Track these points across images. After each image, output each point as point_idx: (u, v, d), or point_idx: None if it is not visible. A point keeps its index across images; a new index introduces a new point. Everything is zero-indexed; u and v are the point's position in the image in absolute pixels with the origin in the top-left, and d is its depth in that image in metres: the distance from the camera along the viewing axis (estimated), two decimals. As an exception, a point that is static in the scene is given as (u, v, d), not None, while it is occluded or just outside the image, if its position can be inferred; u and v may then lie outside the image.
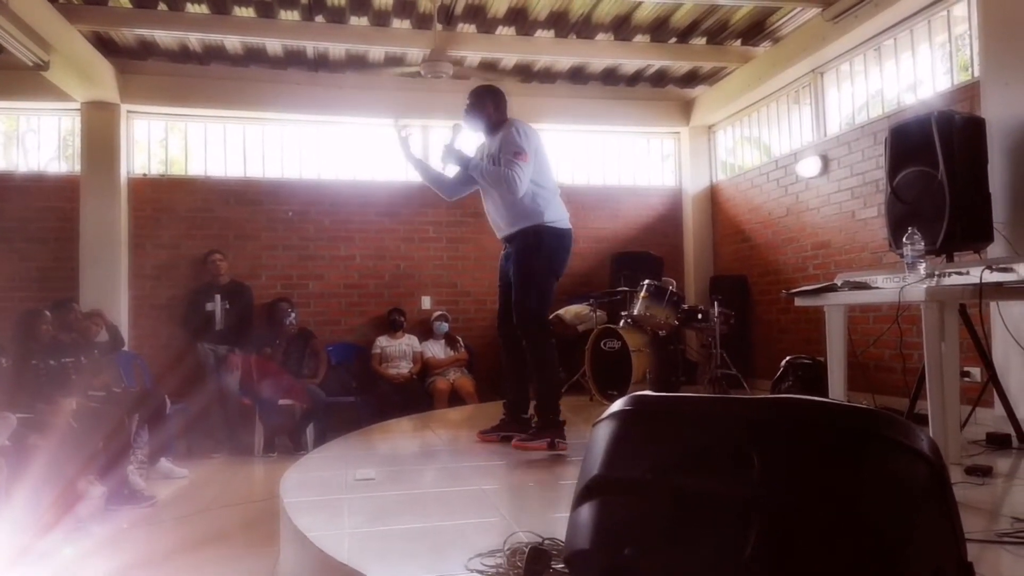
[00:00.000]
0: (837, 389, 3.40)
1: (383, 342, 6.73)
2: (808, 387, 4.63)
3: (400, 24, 6.06)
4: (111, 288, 6.45)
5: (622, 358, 5.40)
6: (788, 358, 5.17)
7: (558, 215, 3.73)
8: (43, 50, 5.27)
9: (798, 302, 3.51)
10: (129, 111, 6.80)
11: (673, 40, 6.48)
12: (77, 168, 6.66)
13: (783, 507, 1.30)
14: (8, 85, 6.25)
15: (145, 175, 6.92)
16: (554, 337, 3.79)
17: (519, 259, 3.70)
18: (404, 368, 6.61)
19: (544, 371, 3.69)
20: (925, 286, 2.67)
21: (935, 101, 4.84)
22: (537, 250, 3.68)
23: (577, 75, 7.28)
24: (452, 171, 4.00)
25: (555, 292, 3.82)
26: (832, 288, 3.26)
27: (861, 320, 5.28)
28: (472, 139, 3.99)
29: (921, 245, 2.90)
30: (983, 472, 2.69)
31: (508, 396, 3.97)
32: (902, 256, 3.06)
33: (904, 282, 2.79)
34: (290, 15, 5.88)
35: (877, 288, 3.00)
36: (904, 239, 2.95)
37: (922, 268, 2.82)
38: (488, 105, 3.82)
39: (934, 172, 3.45)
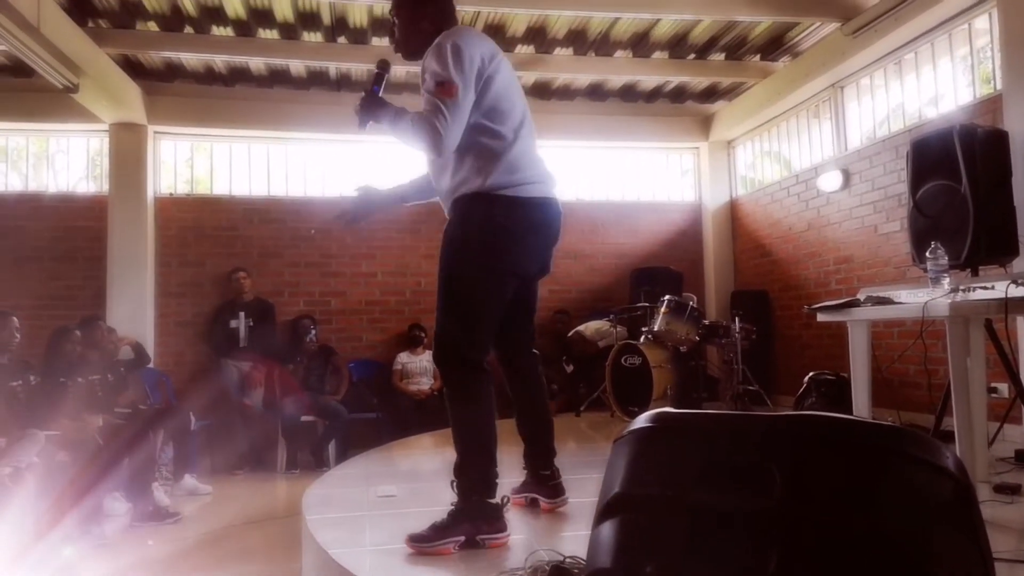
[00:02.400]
0: (861, 406, 3.36)
1: (404, 358, 6.76)
2: (832, 403, 4.58)
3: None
4: (138, 306, 6.55)
5: (643, 374, 5.39)
6: (811, 374, 5.12)
7: (521, 174, 2.37)
8: (73, 73, 5.39)
9: (820, 317, 3.49)
10: (156, 132, 6.94)
11: (692, 56, 6.50)
12: (105, 188, 6.79)
13: (805, 524, 1.29)
14: (39, 107, 6.42)
15: (171, 195, 7.04)
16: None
17: (443, 245, 2.42)
18: (425, 384, 6.63)
19: (462, 427, 2.39)
20: (949, 301, 2.64)
21: (957, 114, 4.81)
22: (463, 234, 2.37)
23: (596, 92, 7.31)
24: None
25: (499, 300, 2.41)
26: (855, 303, 3.24)
27: (885, 335, 5.23)
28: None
29: (945, 260, 2.88)
30: (1012, 490, 2.65)
31: (524, 445, 2.82)
32: (926, 271, 3.04)
33: (928, 297, 2.77)
34: (313, 36, 5.98)
35: (901, 303, 2.97)
36: (927, 254, 2.93)
37: (946, 283, 2.80)
38: (417, 12, 2.53)
39: (957, 186, 3.42)
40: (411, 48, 2.57)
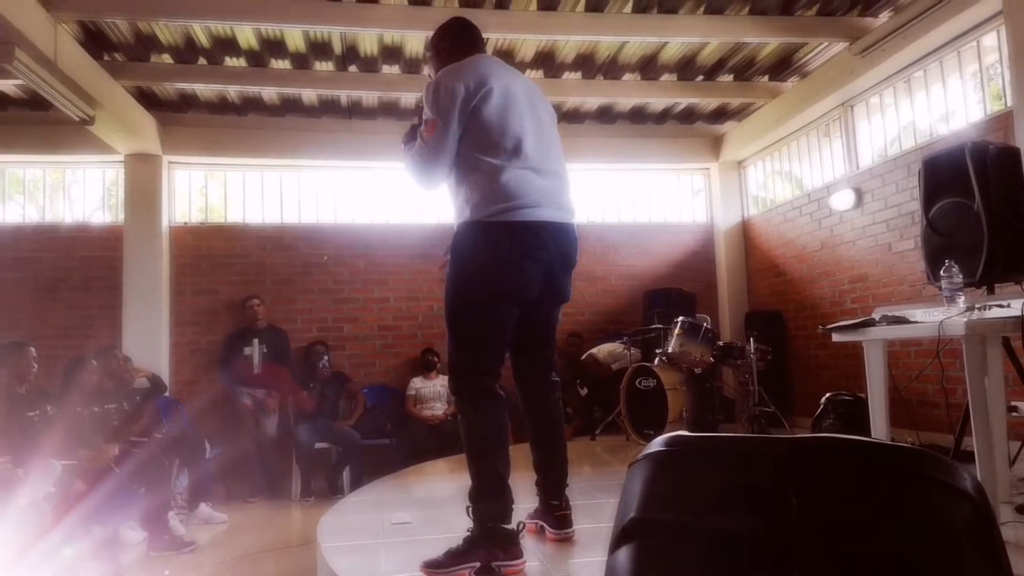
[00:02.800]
0: (879, 426, 3.32)
1: (417, 383, 6.76)
2: (849, 424, 4.53)
3: (431, 71, 6.19)
4: (153, 334, 6.60)
5: (658, 397, 5.35)
6: (828, 395, 5.07)
7: (504, 202, 2.35)
8: (89, 106, 5.48)
9: (835, 338, 3.46)
10: (171, 162, 7.03)
11: (700, 78, 6.53)
12: (121, 218, 6.87)
13: (823, 549, 1.28)
14: (56, 140, 6.53)
15: (186, 223, 7.11)
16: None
17: (446, 279, 2.47)
18: (439, 409, 6.62)
19: (475, 453, 2.41)
20: (965, 320, 2.62)
21: (968, 132, 4.80)
22: (457, 263, 2.42)
23: (605, 114, 7.35)
24: None
25: (502, 324, 2.45)
26: (870, 323, 3.21)
27: (903, 354, 5.18)
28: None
29: (959, 278, 2.86)
30: (1035, 511, 2.61)
31: (536, 472, 2.76)
32: (941, 289, 3.01)
33: (943, 316, 2.75)
34: (324, 66, 6.05)
35: (916, 323, 2.95)
36: (941, 272, 2.91)
37: (961, 301, 2.77)
38: (443, 53, 2.71)
39: (970, 203, 3.40)
40: None
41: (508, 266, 2.36)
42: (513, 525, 2.36)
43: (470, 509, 2.36)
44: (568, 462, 2.74)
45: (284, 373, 6.35)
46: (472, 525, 2.34)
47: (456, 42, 2.66)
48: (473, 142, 2.39)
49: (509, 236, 2.35)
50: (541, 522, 2.77)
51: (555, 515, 2.70)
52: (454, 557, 2.29)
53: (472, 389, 2.40)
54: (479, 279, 2.37)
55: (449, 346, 2.45)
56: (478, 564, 2.27)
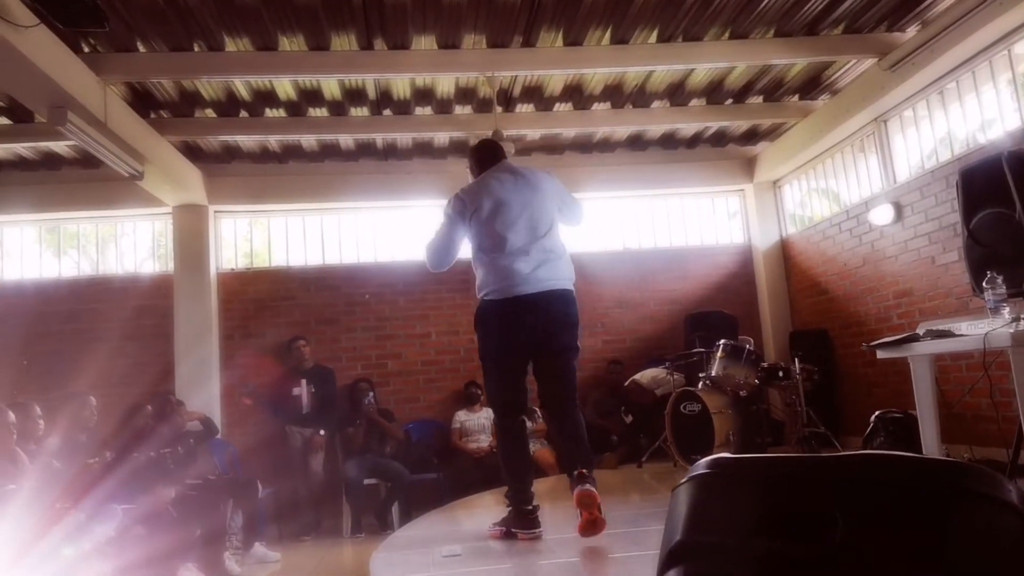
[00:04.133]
0: (930, 443, 3.26)
1: (462, 416, 6.80)
2: (900, 442, 4.44)
3: (462, 110, 6.34)
4: (204, 379, 6.77)
5: (703, 421, 5.30)
6: (878, 413, 4.98)
7: (489, 286, 3.27)
8: (138, 162, 5.72)
9: (880, 354, 3.42)
10: (216, 211, 7.27)
11: (729, 101, 6.56)
12: (170, 267, 7.11)
13: (869, 570, 1.28)
14: (107, 195, 6.81)
15: (232, 269, 7.33)
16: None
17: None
18: (484, 441, 6.64)
19: (500, 459, 3.43)
20: (1011, 331, 2.58)
21: (1006, 140, 4.74)
22: (477, 330, 3.41)
23: (636, 142, 7.41)
24: None
25: (513, 370, 3.36)
26: (914, 338, 3.18)
27: (953, 368, 5.07)
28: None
29: (1003, 289, 2.82)
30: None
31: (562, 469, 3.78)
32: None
33: (989, 328, 2.71)
34: (360, 111, 6.24)
35: (961, 335, 2.91)
36: (984, 283, 2.87)
37: (1006, 312, 2.74)
38: (472, 169, 3.66)
39: (1011, 212, 3.36)
40: None
41: (496, 330, 3.29)
42: (531, 506, 3.28)
43: (507, 497, 3.34)
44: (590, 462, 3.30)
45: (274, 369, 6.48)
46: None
47: (477, 162, 3.58)
48: (475, 241, 3.33)
49: (495, 309, 3.27)
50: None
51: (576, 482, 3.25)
52: (495, 526, 3.33)
53: (499, 413, 3.42)
54: (484, 340, 3.36)
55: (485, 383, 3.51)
56: (504, 528, 3.28)
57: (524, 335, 3.24)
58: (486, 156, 3.56)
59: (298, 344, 6.73)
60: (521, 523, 3.25)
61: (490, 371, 3.38)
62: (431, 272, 3.68)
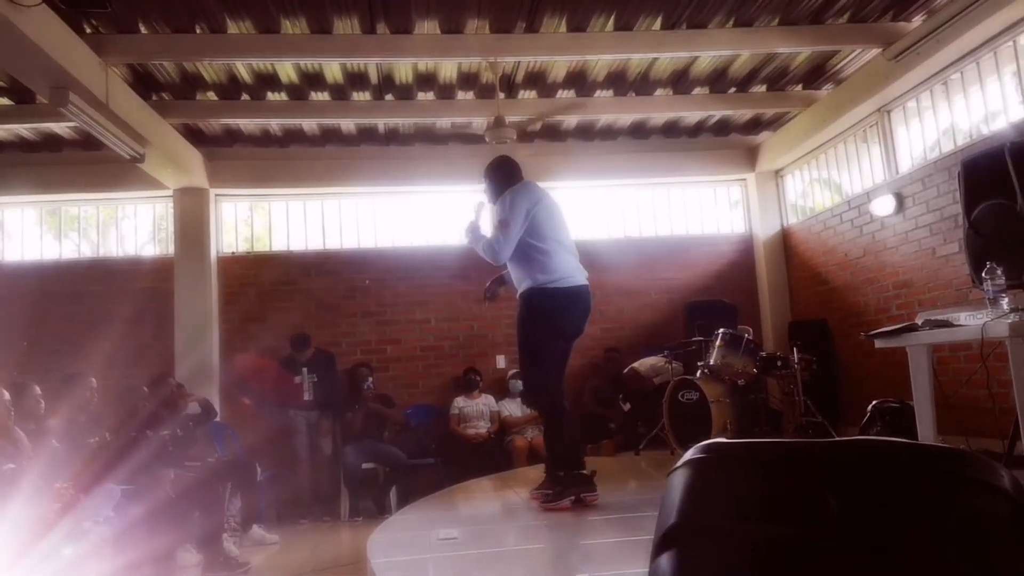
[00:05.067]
0: (927, 432, 3.27)
1: (460, 402, 6.82)
2: (897, 432, 4.45)
3: (464, 96, 6.32)
4: (204, 361, 6.79)
5: (701, 410, 5.32)
6: (875, 402, 4.99)
7: (556, 274, 3.58)
8: (139, 144, 5.71)
9: (878, 344, 3.43)
10: (217, 194, 7.26)
11: (733, 90, 6.53)
12: (170, 250, 7.11)
13: (863, 553, 1.29)
14: (108, 177, 6.80)
15: (233, 253, 7.33)
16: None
17: (517, 324, 3.72)
18: (482, 428, 6.66)
19: (554, 439, 3.66)
20: (1009, 321, 2.59)
21: (1009, 132, 4.72)
22: (528, 315, 3.62)
23: (638, 130, 7.39)
24: None
25: (560, 353, 3.67)
26: (913, 328, 3.18)
27: (951, 360, 5.07)
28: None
29: (1002, 280, 2.82)
30: (1094, 515, 2.53)
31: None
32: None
33: (987, 318, 2.71)
34: (362, 96, 6.22)
35: (959, 326, 2.91)
36: (983, 274, 2.87)
37: (1005, 303, 2.74)
38: (494, 179, 3.88)
39: (1012, 204, 3.35)
40: (493, 199, 3.84)
41: (561, 315, 3.60)
42: (588, 472, 3.55)
43: (548, 470, 3.64)
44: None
45: (272, 366, 6.40)
46: (547, 478, 3.62)
47: (506, 174, 3.84)
48: (530, 237, 3.56)
49: (564, 297, 3.57)
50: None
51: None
52: (558, 493, 3.48)
53: (544, 395, 3.66)
54: (544, 323, 3.57)
55: (522, 368, 3.81)
56: (572, 497, 3.48)
57: (578, 321, 3.66)
58: (514, 170, 3.89)
59: (304, 337, 6.65)
60: (586, 487, 3.52)
61: (544, 354, 3.60)
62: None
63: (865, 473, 1.35)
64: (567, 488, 3.51)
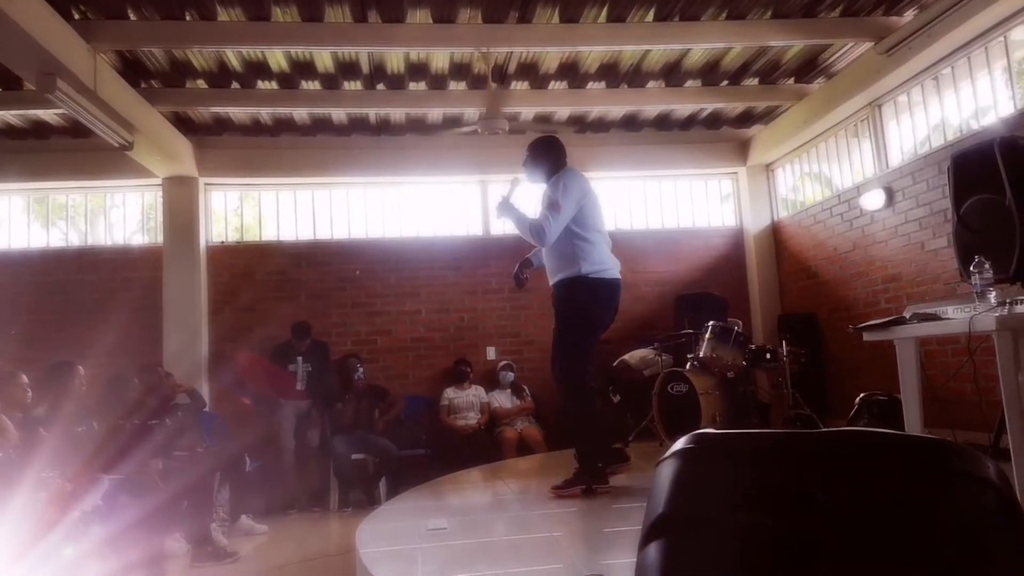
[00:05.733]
0: (914, 425, 3.29)
1: (451, 393, 6.82)
2: (884, 424, 4.48)
3: (456, 86, 6.30)
4: (193, 351, 6.76)
5: (691, 402, 5.33)
6: (862, 395, 5.02)
7: (599, 265, 3.66)
8: (128, 132, 5.67)
9: (866, 337, 3.44)
10: (207, 183, 7.22)
11: (725, 83, 6.53)
12: (159, 239, 7.07)
13: (849, 543, 1.30)
14: (96, 165, 6.74)
15: (222, 243, 7.29)
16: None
17: (556, 311, 3.75)
18: (472, 419, 6.67)
19: (579, 427, 3.70)
20: (996, 315, 2.60)
21: (999, 127, 4.74)
22: (569, 303, 3.66)
23: (630, 123, 7.38)
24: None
25: (594, 344, 3.80)
26: (901, 321, 3.19)
27: (939, 353, 5.11)
28: (534, 191, 4.01)
29: (990, 273, 2.83)
30: (1077, 507, 2.55)
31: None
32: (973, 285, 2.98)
33: (975, 312, 2.73)
34: (353, 85, 6.18)
35: (947, 319, 2.93)
36: (972, 268, 2.88)
37: (993, 297, 2.75)
38: (542, 157, 3.85)
39: (1001, 199, 3.37)
40: (534, 177, 3.89)
41: (600, 307, 3.69)
42: (602, 464, 3.65)
43: (576, 456, 3.68)
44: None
45: (262, 360, 6.38)
46: (577, 467, 3.66)
47: (557, 153, 3.86)
48: (578, 225, 3.61)
49: (603, 288, 3.66)
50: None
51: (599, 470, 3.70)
52: (569, 482, 3.60)
53: (576, 382, 3.66)
54: (583, 313, 3.65)
55: (556, 354, 3.73)
56: (584, 485, 3.57)
57: (613, 312, 3.78)
58: (563, 152, 3.90)
59: (305, 325, 6.61)
60: (598, 479, 3.63)
61: (584, 344, 3.68)
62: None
63: (852, 464, 1.36)
64: (579, 478, 3.61)
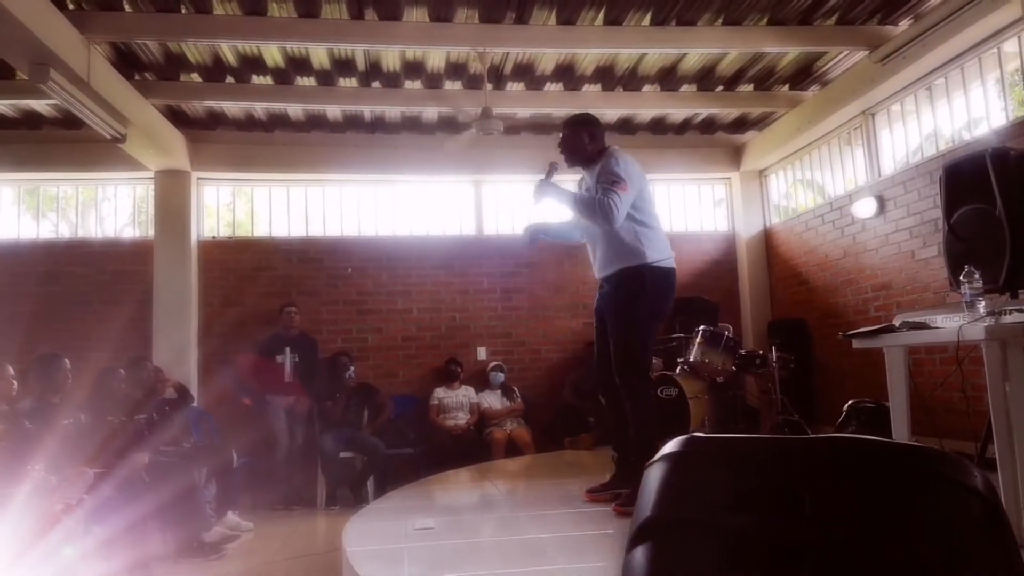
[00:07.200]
0: (901, 432, 3.31)
1: (440, 393, 6.81)
2: (871, 431, 4.50)
3: (452, 86, 6.29)
4: (182, 346, 6.72)
5: (680, 406, 5.35)
6: (851, 402, 5.05)
7: (662, 253, 3.41)
8: (120, 124, 5.63)
9: (856, 344, 3.45)
10: (199, 178, 7.18)
11: (720, 88, 6.55)
12: (150, 233, 7.03)
13: (835, 548, 1.30)
14: (88, 157, 6.69)
15: (214, 238, 7.26)
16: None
17: (617, 302, 3.40)
18: (462, 419, 6.66)
19: (643, 424, 3.35)
20: (985, 325, 2.61)
21: (991, 138, 4.77)
22: (638, 292, 3.34)
23: (625, 126, 7.39)
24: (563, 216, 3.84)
25: (655, 336, 3.62)
26: (890, 329, 3.21)
27: (927, 362, 5.13)
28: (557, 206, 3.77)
29: (980, 283, 2.84)
30: (1061, 517, 2.58)
31: (617, 450, 3.62)
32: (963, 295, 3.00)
33: (963, 321, 2.74)
34: (348, 82, 6.16)
35: (936, 328, 2.94)
36: (961, 277, 2.90)
37: (982, 306, 2.76)
38: (583, 135, 3.56)
39: (992, 209, 3.39)
40: (574, 159, 3.61)
41: (665, 297, 3.44)
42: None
43: (635, 459, 3.27)
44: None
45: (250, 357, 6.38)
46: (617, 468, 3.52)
47: (598, 132, 3.62)
48: (638, 208, 3.35)
49: (668, 277, 3.44)
50: (617, 488, 3.43)
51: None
52: (606, 485, 3.47)
53: (642, 376, 3.42)
54: (651, 303, 3.36)
55: (622, 346, 3.36)
56: (627, 491, 3.19)
57: (672, 303, 3.57)
58: (603, 131, 3.70)
59: (290, 311, 6.60)
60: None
61: (647, 334, 3.43)
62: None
63: (839, 470, 1.36)
64: (623, 481, 3.38)
